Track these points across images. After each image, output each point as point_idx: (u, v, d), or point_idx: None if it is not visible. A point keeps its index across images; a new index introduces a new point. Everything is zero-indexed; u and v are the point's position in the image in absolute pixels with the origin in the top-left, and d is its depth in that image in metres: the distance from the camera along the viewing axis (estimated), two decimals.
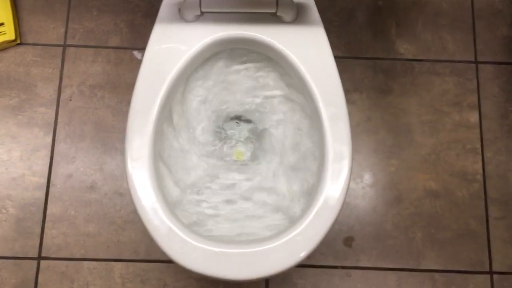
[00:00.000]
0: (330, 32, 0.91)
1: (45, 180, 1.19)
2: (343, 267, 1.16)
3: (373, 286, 1.15)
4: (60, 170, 1.20)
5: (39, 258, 1.15)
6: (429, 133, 1.25)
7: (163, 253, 0.78)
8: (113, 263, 1.15)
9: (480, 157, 1.24)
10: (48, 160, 1.20)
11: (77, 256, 1.15)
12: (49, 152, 1.21)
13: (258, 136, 1.04)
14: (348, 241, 1.18)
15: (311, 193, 0.90)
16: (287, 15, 0.89)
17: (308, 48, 0.89)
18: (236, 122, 1.05)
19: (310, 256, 0.79)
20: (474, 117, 1.27)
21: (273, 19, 0.90)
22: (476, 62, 1.31)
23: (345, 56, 1.29)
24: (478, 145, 1.25)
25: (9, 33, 1.24)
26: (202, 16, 0.89)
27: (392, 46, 1.30)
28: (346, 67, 1.28)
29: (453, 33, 1.32)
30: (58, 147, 1.21)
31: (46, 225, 1.16)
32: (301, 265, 1.14)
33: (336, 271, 1.16)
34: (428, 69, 1.29)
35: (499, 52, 1.31)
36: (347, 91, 0.88)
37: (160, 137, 0.89)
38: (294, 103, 0.97)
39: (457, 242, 1.18)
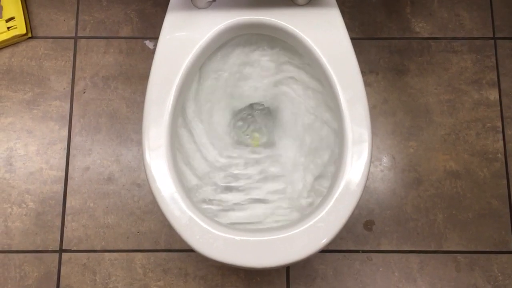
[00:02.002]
0: (344, 13, 0.89)
1: (63, 174, 1.19)
2: (364, 251, 1.15)
3: (395, 269, 1.14)
4: (77, 163, 1.20)
5: (61, 251, 1.15)
6: (448, 113, 1.23)
7: (183, 242, 0.78)
8: (134, 253, 1.15)
9: (500, 135, 1.22)
10: (65, 154, 1.21)
11: (98, 248, 1.15)
12: (66, 145, 1.21)
13: (274, 122, 1.03)
14: (368, 225, 1.17)
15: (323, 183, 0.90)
16: None
17: (323, 31, 0.87)
18: (252, 109, 1.04)
19: (330, 242, 0.78)
20: (493, 95, 1.24)
21: (287, 2, 0.88)
22: (494, 38, 1.27)
23: (359, 37, 1.27)
24: (499, 123, 1.22)
25: (20, 27, 1.24)
26: (215, 2, 0.88)
27: (408, 25, 1.28)
28: (361, 49, 1.26)
29: (470, 9, 1.29)
30: (74, 140, 1.21)
31: (66, 218, 1.17)
32: (322, 251, 1.13)
33: (357, 256, 1.15)
34: (445, 47, 1.26)
35: None
36: (362, 73, 0.86)
37: (176, 128, 0.88)
38: (310, 88, 0.96)
39: (479, 222, 1.17)
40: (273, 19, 0.87)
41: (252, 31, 0.91)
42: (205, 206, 0.89)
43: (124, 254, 1.15)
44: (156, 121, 0.83)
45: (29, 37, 1.27)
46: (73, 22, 1.29)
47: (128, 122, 1.22)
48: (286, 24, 0.87)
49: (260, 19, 0.88)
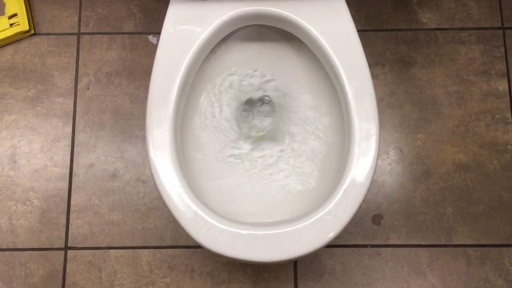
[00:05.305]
0: (349, 5, 0.88)
1: (67, 170, 1.18)
2: (372, 246, 1.14)
3: (404, 264, 1.13)
4: (81, 159, 1.19)
5: (66, 248, 1.15)
6: (456, 104, 1.21)
7: (189, 238, 0.77)
8: (139, 250, 1.14)
9: (510, 126, 1.19)
10: (69, 150, 1.20)
11: (103, 244, 1.14)
12: (70, 142, 1.20)
13: (278, 114, 1.01)
14: (377, 219, 1.15)
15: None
16: None
17: (329, 22, 0.86)
18: (257, 102, 1.03)
19: (338, 236, 0.77)
20: (503, 86, 1.22)
21: None
22: (503, 28, 1.25)
23: (365, 29, 1.25)
24: (509, 115, 1.20)
25: (22, 24, 1.23)
26: None
27: (414, 16, 1.26)
28: (367, 41, 1.24)
29: None
30: (78, 136, 1.21)
31: (70, 215, 1.16)
32: (330, 245, 1.12)
33: (365, 250, 1.14)
34: (453, 38, 1.24)
35: None
36: (369, 65, 0.85)
37: (180, 122, 0.87)
38: (316, 82, 0.94)
39: (490, 215, 1.15)
40: (278, 10, 0.86)
41: (256, 22, 0.90)
42: None
43: (129, 250, 1.14)
44: (160, 118, 0.82)
45: (32, 34, 1.26)
46: (76, 18, 1.28)
47: (132, 118, 1.21)
48: (291, 15, 0.86)
49: (264, 10, 0.86)
